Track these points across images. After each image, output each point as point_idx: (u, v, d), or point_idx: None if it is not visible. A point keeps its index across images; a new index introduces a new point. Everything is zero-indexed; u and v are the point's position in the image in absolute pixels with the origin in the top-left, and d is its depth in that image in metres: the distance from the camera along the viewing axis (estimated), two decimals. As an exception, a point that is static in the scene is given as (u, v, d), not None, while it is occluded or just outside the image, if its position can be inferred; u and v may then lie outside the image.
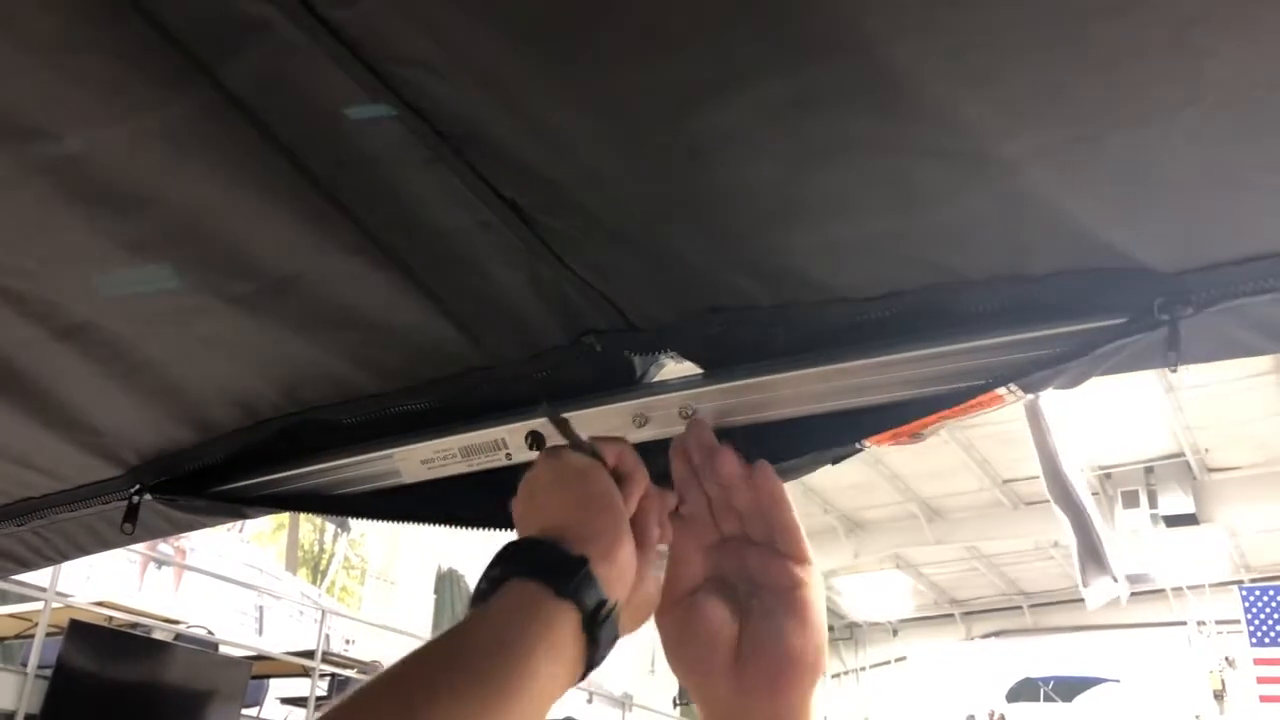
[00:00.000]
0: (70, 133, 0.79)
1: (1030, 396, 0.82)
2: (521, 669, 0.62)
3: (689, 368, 0.96)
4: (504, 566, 0.69)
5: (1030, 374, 0.78)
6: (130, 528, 1.19)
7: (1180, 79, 0.61)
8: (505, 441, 1.02)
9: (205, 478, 1.18)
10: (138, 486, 1.18)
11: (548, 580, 0.67)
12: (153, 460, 1.17)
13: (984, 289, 0.80)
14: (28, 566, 1.35)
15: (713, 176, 0.76)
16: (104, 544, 1.30)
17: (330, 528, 14.04)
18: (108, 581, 10.20)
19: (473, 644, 0.64)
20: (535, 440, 0.99)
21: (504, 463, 1.02)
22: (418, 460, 1.07)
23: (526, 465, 1.01)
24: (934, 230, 0.77)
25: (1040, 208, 0.72)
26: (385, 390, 1.05)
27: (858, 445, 0.89)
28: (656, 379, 0.98)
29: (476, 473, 1.05)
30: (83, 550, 1.32)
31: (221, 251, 0.90)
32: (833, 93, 0.67)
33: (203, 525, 1.28)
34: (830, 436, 0.89)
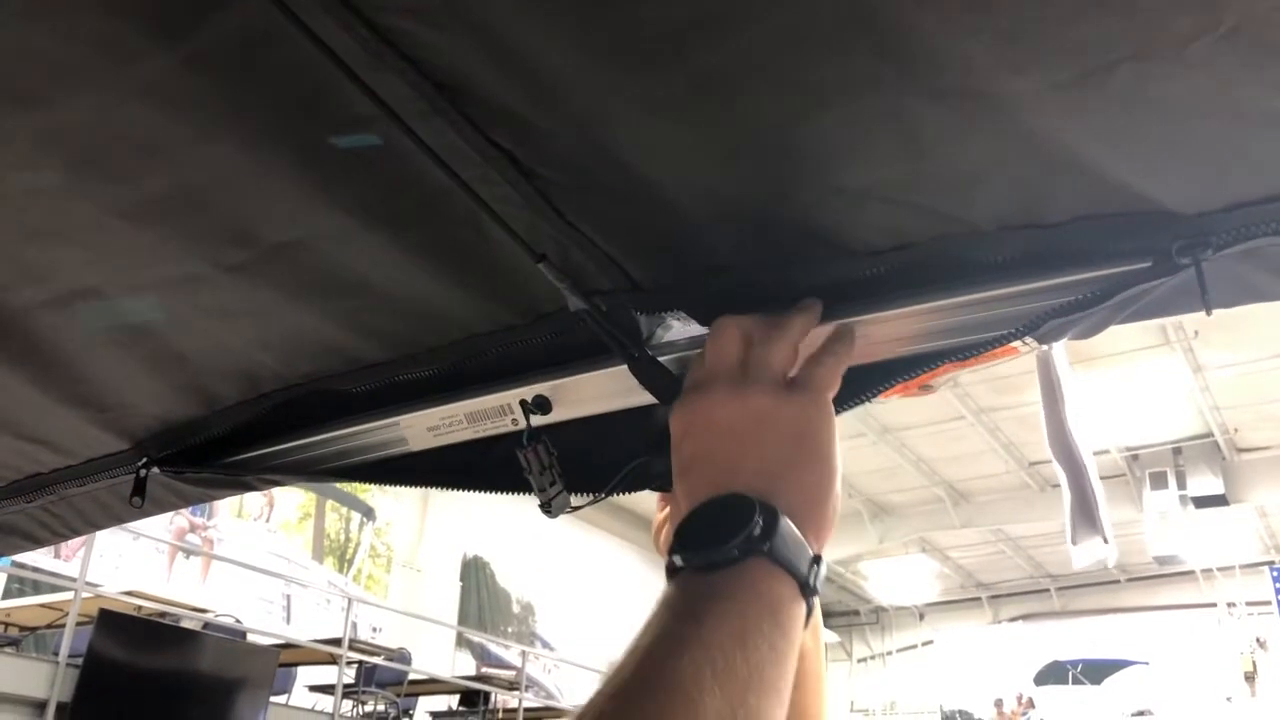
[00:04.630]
0: (58, 93, 0.78)
1: (1044, 347, 0.80)
2: (775, 666, 0.62)
3: (696, 327, 0.94)
4: (745, 536, 0.65)
5: (1046, 323, 0.76)
6: (140, 501, 1.18)
7: (1191, 4, 0.58)
8: (511, 407, 1.00)
9: (212, 450, 1.17)
10: (145, 460, 1.18)
11: (792, 572, 0.66)
12: (159, 434, 1.17)
13: (997, 238, 0.77)
14: (39, 543, 1.35)
15: (710, 124, 0.74)
16: (115, 518, 1.30)
17: (356, 516, 14.13)
18: (136, 571, 10.31)
19: (722, 639, 0.61)
20: (540, 404, 0.97)
21: (510, 428, 1.01)
22: (424, 428, 1.06)
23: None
24: (942, 177, 0.75)
25: (1050, 149, 0.69)
26: (388, 358, 1.04)
27: (866, 397, 0.86)
28: (665, 340, 0.96)
29: (484, 438, 1.03)
30: (94, 525, 1.32)
31: (217, 215, 0.89)
32: (828, 28, 0.65)
33: (212, 498, 1.28)
34: (840, 393, 0.87)
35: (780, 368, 0.76)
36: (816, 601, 0.68)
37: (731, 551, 0.64)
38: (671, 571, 0.67)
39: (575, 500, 0.98)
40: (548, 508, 0.96)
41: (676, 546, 0.67)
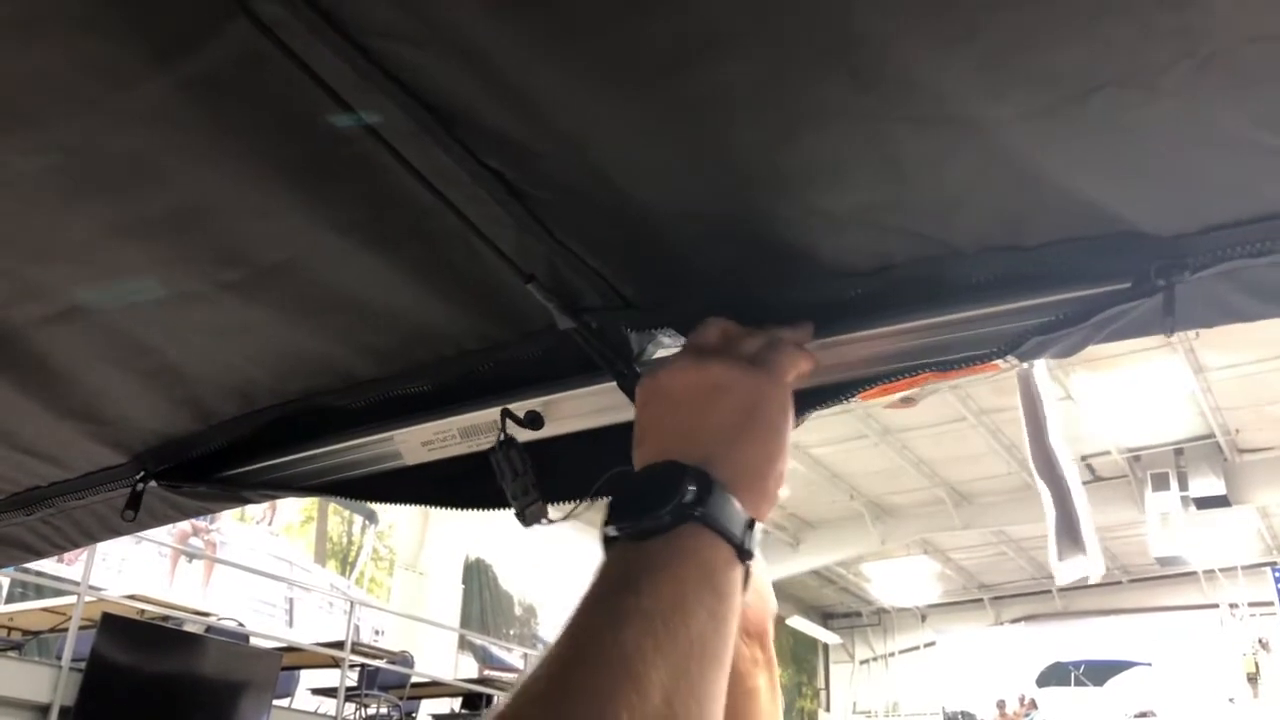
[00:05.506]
0: (55, 116, 0.79)
1: (1024, 365, 0.81)
2: (705, 630, 0.61)
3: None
4: (676, 503, 0.64)
5: (1026, 342, 0.77)
6: (132, 514, 1.19)
7: (1166, 34, 0.59)
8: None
9: (209, 464, 1.18)
10: (142, 474, 1.19)
11: (727, 537, 0.65)
12: (156, 448, 1.18)
13: (977, 260, 0.79)
14: (38, 555, 1.36)
15: (695, 146, 0.75)
16: (112, 531, 1.31)
17: (358, 520, 14.13)
18: (139, 575, 10.32)
19: (662, 609, 0.60)
20: (532, 420, 0.98)
21: None
22: (418, 442, 1.07)
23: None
24: (922, 201, 0.76)
25: (1028, 173, 0.71)
26: (382, 375, 1.05)
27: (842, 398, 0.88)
28: (655, 357, 0.97)
29: (477, 453, 1.04)
30: (92, 538, 1.33)
31: (211, 234, 0.90)
32: (809, 57, 0.66)
33: (209, 511, 1.29)
34: (822, 399, 0.88)
35: (747, 353, 0.77)
36: (753, 566, 0.67)
37: (664, 518, 0.63)
38: (607, 542, 0.66)
39: (554, 513, 0.99)
40: (522, 516, 0.97)
41: (610, 515, 0.66)
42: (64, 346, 1.04)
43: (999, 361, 0.79)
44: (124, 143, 0.82)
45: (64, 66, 0.75)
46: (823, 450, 15.17)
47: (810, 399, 0.89)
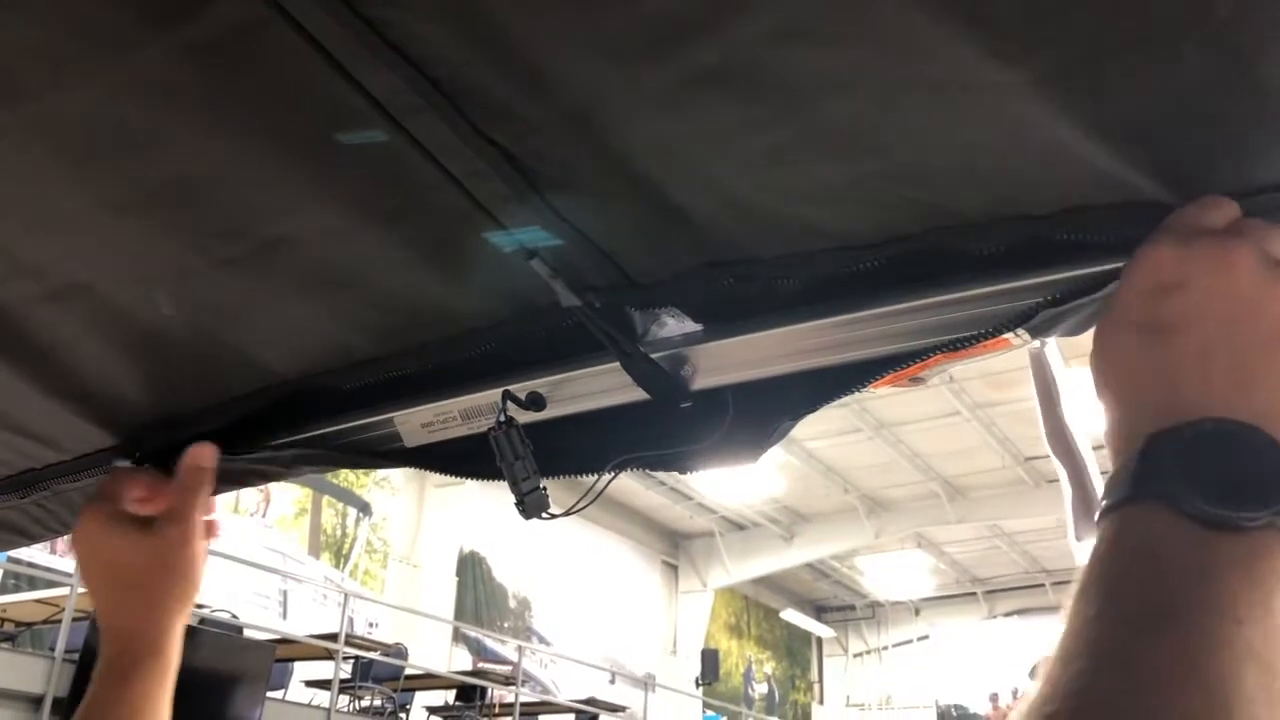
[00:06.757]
0: (47, 86, 0.77)
1: (1037, 343, 0.80)
2: None
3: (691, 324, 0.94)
4: (1257, 491, 0.53)
5: (1039, 314, 0.76)
6: None
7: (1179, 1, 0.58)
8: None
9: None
10: (137, 455, 1.17)
11: None
12: (151, 429, 1.16)
13: (988, 231, 0.77)
14: (33, 538, 1.35)
15: (704, 119, 0.74)
16: (107, 515, 1.29)
17: (352, 512, 14.13)
18: (132, 567, 10.31)
19: (1270, 657, 0.50)
20: (534, 400, 0.97)
21: None
22: (418, 424, 1.06)
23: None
24: (932, 169, 0.75)
25: (1040, 140, 0.69)
26: (381, 354, 1.04)
27: (857, 387, 0.87)
28: (659, 337, 0.96)
29: (479, 435, 1.03)
30: (86, 522, 1.31)
31: (209, 208, 0.88)
32: (819, 23, 0.65)
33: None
34: (832, 388, 0.87)
35: None
36: None
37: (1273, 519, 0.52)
38: (1160, 501, 0.55)
39: (554, 508, 0.97)
40: (522, 505, 0.95)
41: (1189, 479, 0.54)
42: (56, 325, 1.02)
43: (1010, 337, 0.78)
44: (118, 114, 0.80)
45: (55, 34, 0.73)
46: (817, 444, 15.20)
47: (821, 390, 0.88)
